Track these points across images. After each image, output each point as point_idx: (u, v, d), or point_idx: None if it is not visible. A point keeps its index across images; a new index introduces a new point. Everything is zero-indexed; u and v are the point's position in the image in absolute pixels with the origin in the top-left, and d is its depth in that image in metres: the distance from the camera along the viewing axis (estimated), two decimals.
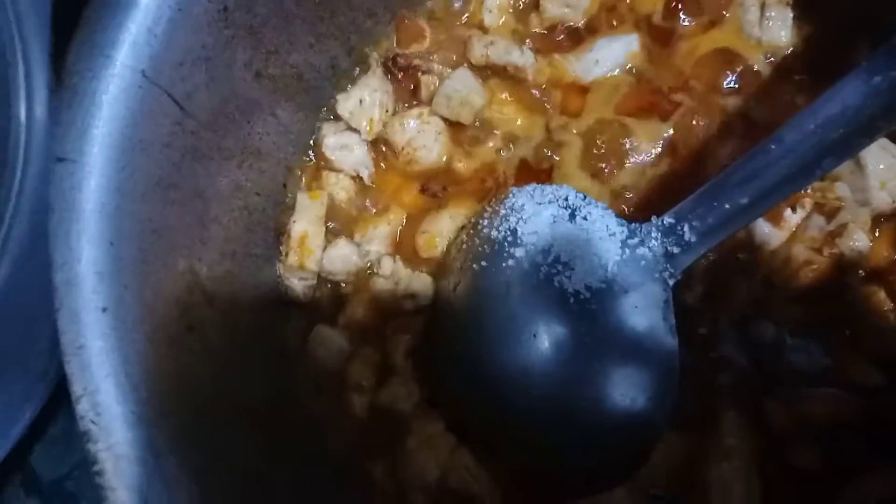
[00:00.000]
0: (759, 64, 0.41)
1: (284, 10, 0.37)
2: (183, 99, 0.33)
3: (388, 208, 0.43)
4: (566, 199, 0.36)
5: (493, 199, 0.39)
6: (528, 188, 0.38)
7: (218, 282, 0.36)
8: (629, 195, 0.41)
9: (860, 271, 0.37)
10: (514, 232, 0.36)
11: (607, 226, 0.35)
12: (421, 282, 0.40)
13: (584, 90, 0.43)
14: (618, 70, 0.43)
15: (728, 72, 0.41)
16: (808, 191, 0.38)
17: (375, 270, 0.41)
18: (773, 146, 0.33)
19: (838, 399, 0.37)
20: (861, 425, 0.37)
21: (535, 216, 0.36)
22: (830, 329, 0.38)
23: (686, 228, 0.34)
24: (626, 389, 0.33)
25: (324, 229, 0.41)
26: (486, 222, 0.38)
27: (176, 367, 0.30)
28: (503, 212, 0.37)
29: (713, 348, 0.38)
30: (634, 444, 0.35)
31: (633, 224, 0.36)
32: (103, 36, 0.30)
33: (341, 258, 0.41)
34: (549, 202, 0.36)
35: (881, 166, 0.37)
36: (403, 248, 0.42)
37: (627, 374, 0.33)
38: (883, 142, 0.38)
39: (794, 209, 0.38)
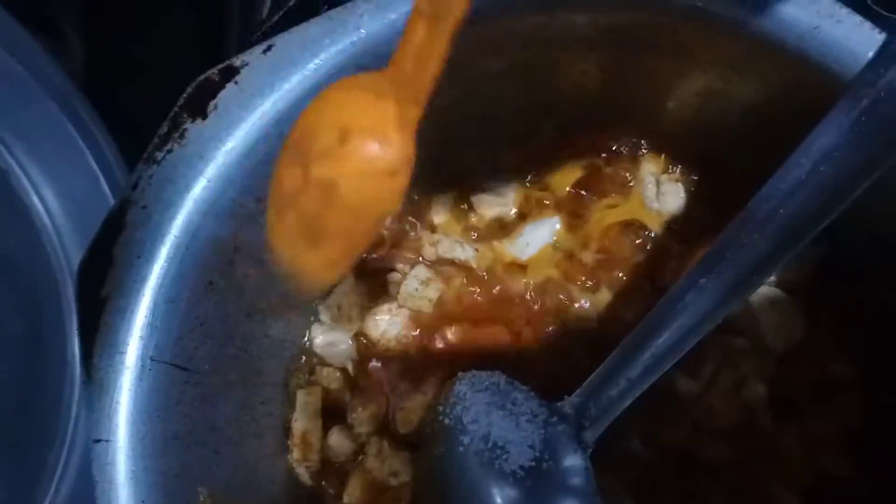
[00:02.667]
0: (662, 231, 0.48)
1: (259, 262, 0.47)
2: (186, 362, 0.42)
3: (371, 391, 0.51)
4: (498, 386, 0.43)
5: (448, 385, 0.47)
6: (468, 376, 0.45)
7: (235, 492, 0.45)
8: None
9: (769, 414, 0.43)
10: (460, 420, 0.43)
11: (531, 409, 0.42)
12: (401, 460, 0.48)
13: (523, 267, 0.51)
14: (546, 244, 0.51)
15: (637, 240, 0.48)
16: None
17: (366, 451, 0.50)
18: (662, 310, 0.39)
19: None
20: None
21: (474, 405, 0.43)
22: (755, 464, 0.43)
23: (591, 405, 0.40)
24: None
25: (320, 423, 0.50)
26: (441, 408, 0.45)
27: None
28: (451, 399, 0.45)
29: (650, 490, 0.44)
30: None
31: (552, 404, 0.42)
32: (116, 338, 0.40)
33: (337, 445, 0.50)
34: (485, 388, 0.44)
35: (773, 319, 0.43)
36: (388, 426, 0.50)
37: None
38: (772, 294, 0.44)
39: (703, 362, 0.44)
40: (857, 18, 0.36)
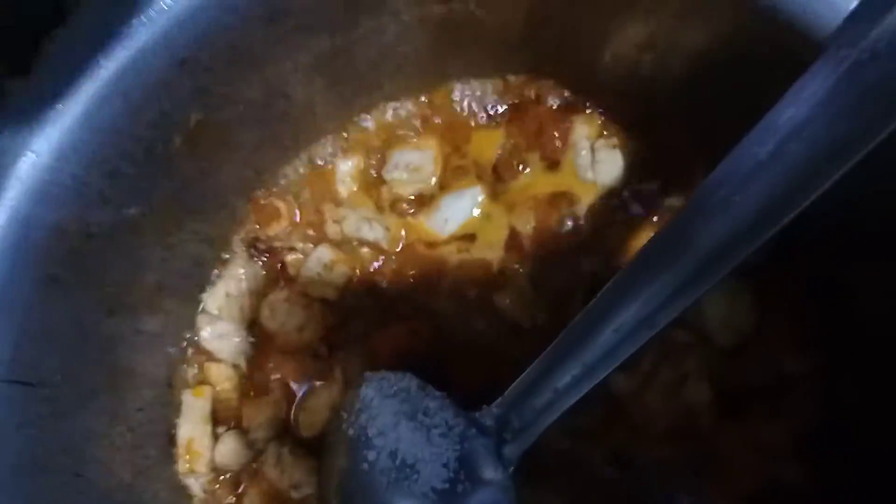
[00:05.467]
0: (595, 203, 0.42)
1: (121, 249, 0.39)
2: (29, 376, 0.35)
3: (269, 391, 0.44)
4: (408, 391, 0.38)
5: (353, 387, 0.41)
6: (377, 378, 0.39)
7: None
8: None
9: (713, 415, 0.38)
10: (364, 431, 0.37)
11: (446, 420, 0.37)
12: (303, 469, 0.42)
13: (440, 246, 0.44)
14: (468, 217, 0.44)
15: (565, 214, 0.42)
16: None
17: (264, 459, 0.43)
18: (596, 311, 0.34)
19: None
20: None
21: (381, 414, 0.37)
22: (696, 467, 0.39)
23: (514, 416, 0.35)
24: None
25: (210, 427, 0.43)
26: (344, 415, 0.39)
27: None
28: (357, 405, 0.38)
29: (581, 495, 0.40)
30: None
31: (470, 414, 0.37)
32: None
33: (231, 452, 0.43)
34: (394, 394, 0.38)
35: (720, 308, 0.38)
36: (288, 430, 0.44)
37: None
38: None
39: (640, 358, 0.39)
40: None
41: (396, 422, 0.37)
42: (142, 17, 0.33)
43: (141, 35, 0.33)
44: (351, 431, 0.38)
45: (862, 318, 0.36)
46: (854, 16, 0.25)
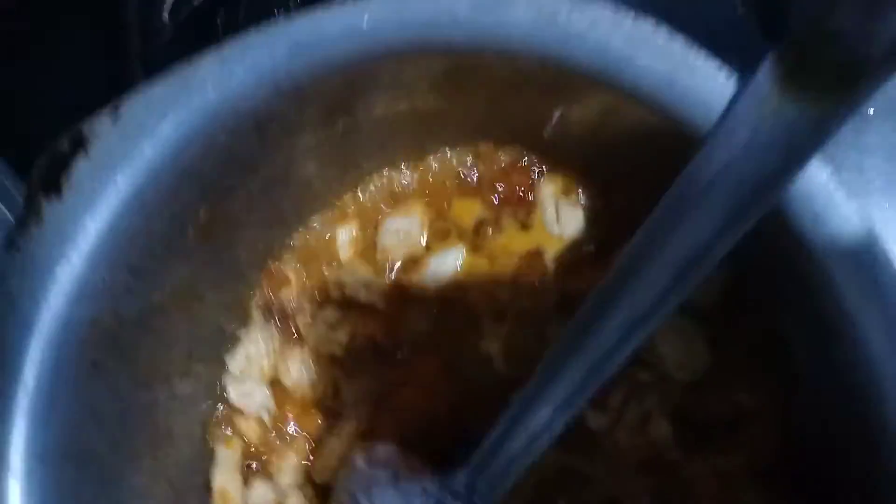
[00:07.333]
0: (561, 254, 0.46)
1: (151, 328, 0.45)
2: (79, 452, 0.41)
3: (291, 441, 0.50)
4: (390, 461, 0.43)
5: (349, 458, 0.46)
6: (366, 448, 0.45)
7: None
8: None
9: (677, 449, 0.42)
10: (355, 495, 0.43)
11: (423, 486, 0.42)
12: None
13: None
14: (452, 272, 0.49)
15: (541, 273, 0.46)
16: None
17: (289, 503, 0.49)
18: (537, 382, 0.38)
19: None
20: None
21: (367, 480, 0.43)
22: (667, 498, 0.42)
23: (480, 480, 0.40)
24: None
25: (240, 476, 0.49)
26: (342, 477, 0.45)
27: None
28: (351, 474, 0.45)
29: None
30: None
31: (445, 480, 0.41)
32: None
33: (260, 499, 0.49)
34: (377, 463, 0.44)
35: (676, 349, 0.42)
36: (309, 477, 0.49)
37: None
38: (674, 322, 0.42)
39: (611, 394, 0.43)
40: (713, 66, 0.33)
41: (383, 489, 0.42)
42: (151, 140, 0.39)
43: (151, 155, 0.39)
44: (345, 495, 0.44)
45: (797, 363, 0.39)
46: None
